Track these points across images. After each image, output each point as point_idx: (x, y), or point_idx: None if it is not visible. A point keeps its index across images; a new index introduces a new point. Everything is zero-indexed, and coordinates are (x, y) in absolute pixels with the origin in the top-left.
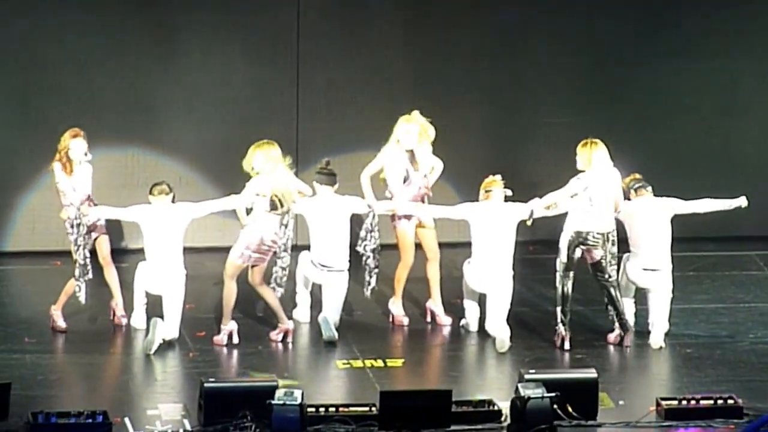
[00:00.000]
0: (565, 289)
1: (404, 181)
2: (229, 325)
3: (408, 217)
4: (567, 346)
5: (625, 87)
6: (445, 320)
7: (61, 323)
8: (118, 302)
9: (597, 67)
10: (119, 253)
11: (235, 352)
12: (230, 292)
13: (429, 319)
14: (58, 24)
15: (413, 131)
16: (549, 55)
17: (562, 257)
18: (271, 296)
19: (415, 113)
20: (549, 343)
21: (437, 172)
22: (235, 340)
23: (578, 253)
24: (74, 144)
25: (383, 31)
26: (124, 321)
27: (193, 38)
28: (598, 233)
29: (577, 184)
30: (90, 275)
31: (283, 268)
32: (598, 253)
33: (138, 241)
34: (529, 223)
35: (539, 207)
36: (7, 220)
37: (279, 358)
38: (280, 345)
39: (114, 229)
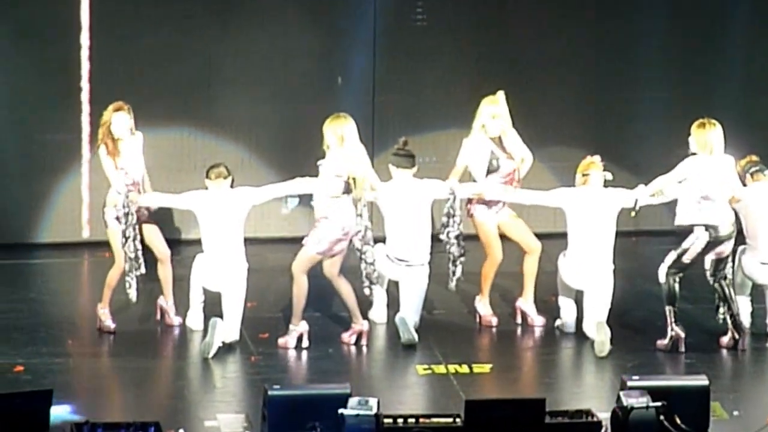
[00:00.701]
0: (675, 285)
1: (492, 171)
2: (300, 326)
3: (488, 203)
4: (682, 348)
5: (738, 58)
6: (538, 320)
7: (110, 323)
8: (168, 301)
9: (709, 34)
10: (172, 245)
11: (304, 356)
12: (303, 288)
13: (519, 319)
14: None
15: (501, 115)
16: (653, 17)
17: (691, 254)
18: (349, 291)
19: (500, 95)
20: (654, 347)
21: (527, 164)
22: (305, 343)
23: (709, 249)
24: (117, 118)
25: None
26: (176, 321)
27: (256, 5)
28: (731, 224)
29: (688, 168)
30: (142, 269)
31: (370, 263)
32: (727, 248)
33: (194, 232)
34: (633, 214)
35: (645, 195)
36: (49, 209)
37: (352, 362)
38: (353, 348)
39: (166, 218)
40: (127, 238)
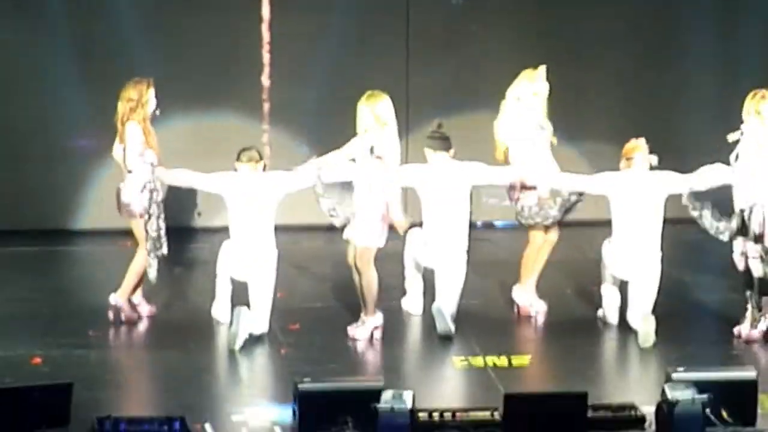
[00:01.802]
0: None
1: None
2: (376, 318)
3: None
4: (764, 327)
5: None
6: (539, 307)
7: (131, 313)
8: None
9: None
10: (194, 232)
11: (336, 348)
12: (373, 279)
13: (515, 309)
14: None
15: (541, 94)
16: None
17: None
18: (372, 284)
19: (542, 69)
20: (701, 338)
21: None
22: (378, 336)
23: None
24: (152, 95)
25: None
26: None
27: None
28: None
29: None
30: (164, 249)
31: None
32: None
33: (220, 218)
34: (686, 200)
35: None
36: (75, 195)
37: (386, 355)
38: (386, 340)
39: (188, 202)
40: (150, 216)
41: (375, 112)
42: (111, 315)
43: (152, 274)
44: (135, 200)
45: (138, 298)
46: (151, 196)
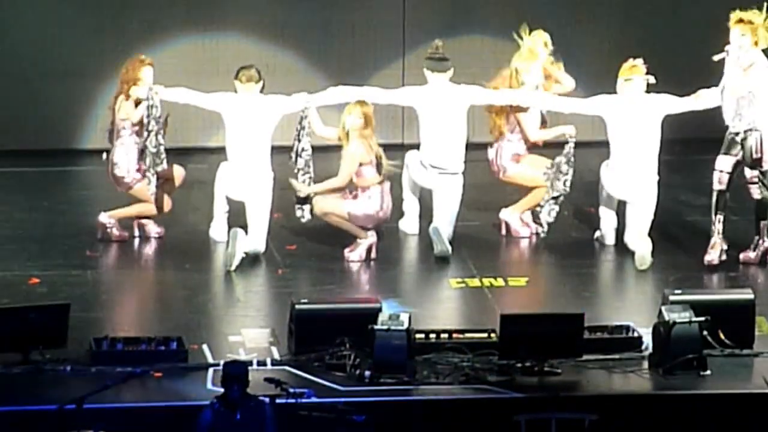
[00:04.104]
0: None
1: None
2: (370, 237)
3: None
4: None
5: None
6: (523, 231)
7: (118, 232)
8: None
9: None
10: (194, 152)
11: (333, 269)
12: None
13: (504, 231)
14: None
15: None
16: None
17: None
18: (342, 219)
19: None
20: (698, 260)
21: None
22: (374, 255)
23: None
24: (146, 74)
25: None
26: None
27: None
28: None
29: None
30: (164, 165)
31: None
32: None
33: (216, 138)
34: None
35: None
36: (85, 114)
37: (383, 276)
38: (383, 261)
39: (190, 123)
40: (149, 132)
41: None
42: (99, 233)
43: (151, 189)
44: (126, 171)
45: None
46: (150, 112)
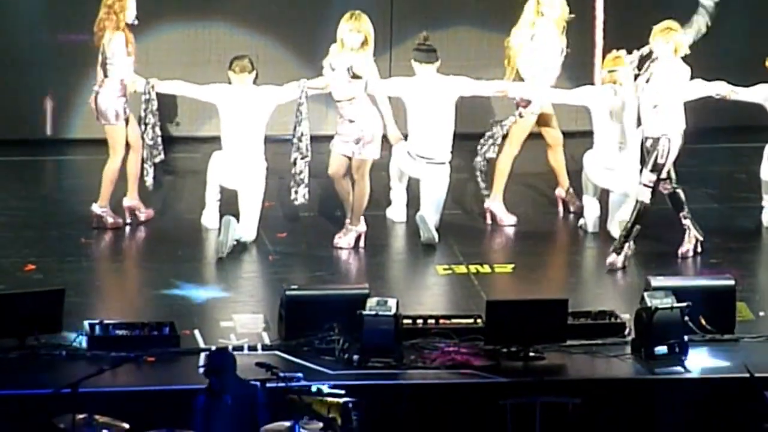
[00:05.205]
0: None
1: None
2: (360, 226)
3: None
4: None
5: None
6: (508, 219)
7: (113, 219)
8: (134, 199)
9: None
10: (188, 141)
11: (322, 256)
12: (366, 190)
13: (489, 220)
14: None
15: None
16: None
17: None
18: (364, 194)
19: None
20: (678, 247)
21: None
22: (362, 243)
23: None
24: (131, 3)
25: None
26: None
27: None
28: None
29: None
30: (162, 156)
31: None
32: None
33: (210, 128)
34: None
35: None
36: (74, 103)
37: (371, 263)
38: (371, 249)
39: (186, 112)
40: (146, 125)
41: (363, 29)
42: (94, 222)
43: (149, 181)
44: (110, 106)
45: (135, 202)
46: (147, 106)
